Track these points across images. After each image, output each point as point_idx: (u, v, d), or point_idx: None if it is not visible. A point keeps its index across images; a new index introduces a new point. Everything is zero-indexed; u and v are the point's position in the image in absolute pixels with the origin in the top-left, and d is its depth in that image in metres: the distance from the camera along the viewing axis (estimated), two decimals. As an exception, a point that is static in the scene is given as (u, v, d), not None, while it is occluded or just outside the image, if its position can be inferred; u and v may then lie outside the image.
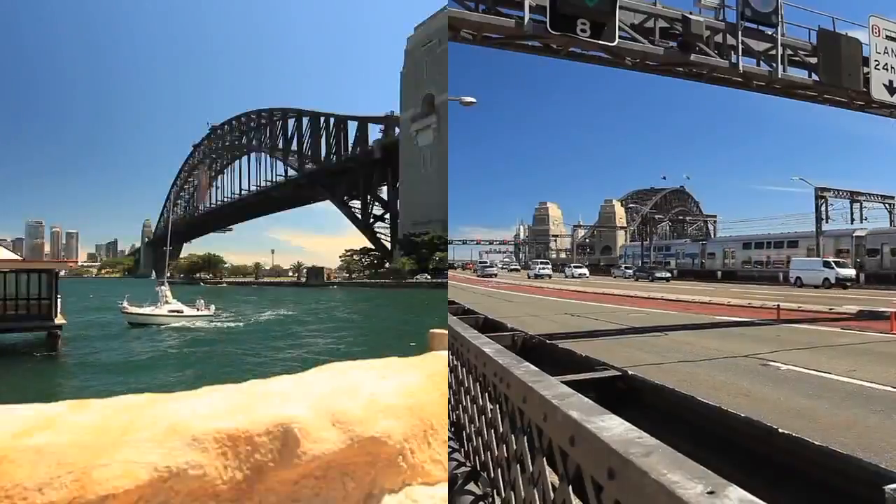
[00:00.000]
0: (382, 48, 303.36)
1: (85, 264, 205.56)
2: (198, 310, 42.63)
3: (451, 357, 3.51)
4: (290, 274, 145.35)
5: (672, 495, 0.96)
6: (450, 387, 3.56)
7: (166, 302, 41.05)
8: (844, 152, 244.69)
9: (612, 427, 1.28)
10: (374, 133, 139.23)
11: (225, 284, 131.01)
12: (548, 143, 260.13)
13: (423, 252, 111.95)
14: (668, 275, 55.04)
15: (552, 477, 1.68)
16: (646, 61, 16.08)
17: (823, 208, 48.43)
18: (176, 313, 40.64)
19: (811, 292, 32.90)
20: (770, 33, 16.76)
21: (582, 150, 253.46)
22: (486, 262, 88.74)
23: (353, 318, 50.92)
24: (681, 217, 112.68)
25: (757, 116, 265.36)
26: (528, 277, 62.39)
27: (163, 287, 41.77)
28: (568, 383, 1.84)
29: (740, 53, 16.22)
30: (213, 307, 43.66)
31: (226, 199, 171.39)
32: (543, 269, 64.31)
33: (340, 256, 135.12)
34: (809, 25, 17.50)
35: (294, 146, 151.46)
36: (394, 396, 1.77)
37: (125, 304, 40.32)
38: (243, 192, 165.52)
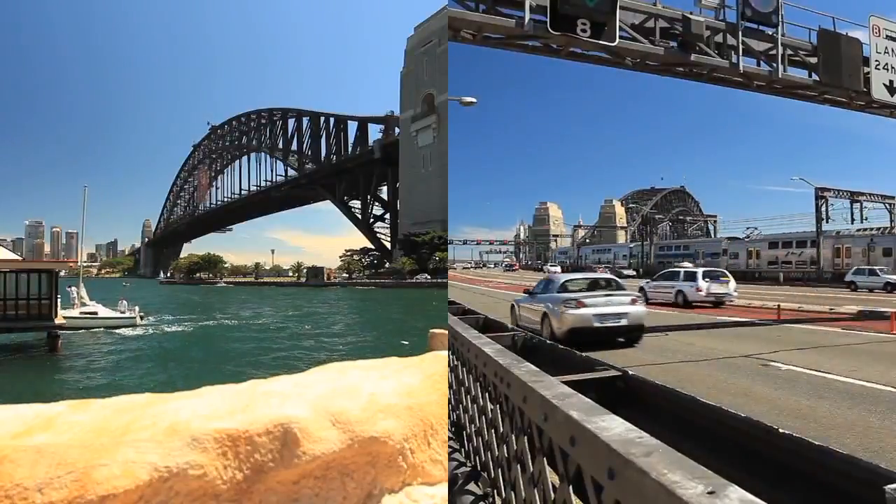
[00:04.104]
0: (382, 48, 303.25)
1: (85, 264, 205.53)
2: (121, 312, 36.70)
3: (451, 357, 3.51)
4: (290, 274, 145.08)
5: (672, 495, 0.96)
6: (450, 387, 3.56)
7: (82, 304, 35.68)
8: (844, 152, 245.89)
9: (613, 427, 1.28)
10: (374, 133, 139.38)
11: (223, 284, 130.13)
12: (548, 143, 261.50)
13: (423, 252, 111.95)
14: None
15: (552, 477, 1.68)
16: (646, 61, 16.07)
17: (823, 208, 48.52)
18: (89, 316, 35.10)
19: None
20: (770, 33, 16.75)
21: (582, 150, 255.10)
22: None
23: (353, 317, 50.86)
24: (681, 217, 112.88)
25: (757, 116, 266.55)
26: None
27: (75, 287, 36.25)
28: (568, 383, 1.84)
29: (740, 53, 16.21)
30: (137, 309, 37.70)
31: (226, 199, 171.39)
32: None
33: (340, 256, 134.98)
34: (809, 25, 17.48)
35: (294, 146, 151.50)
36: (394, 396, 1.77)
37: None
38: (243, 192, 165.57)
